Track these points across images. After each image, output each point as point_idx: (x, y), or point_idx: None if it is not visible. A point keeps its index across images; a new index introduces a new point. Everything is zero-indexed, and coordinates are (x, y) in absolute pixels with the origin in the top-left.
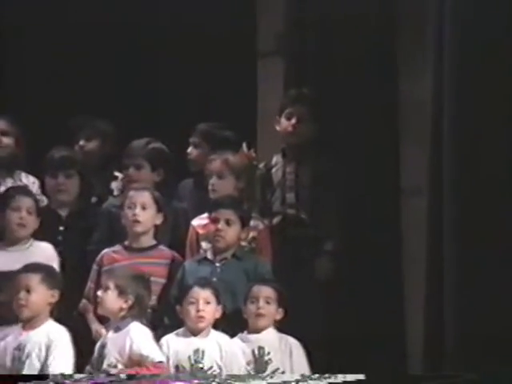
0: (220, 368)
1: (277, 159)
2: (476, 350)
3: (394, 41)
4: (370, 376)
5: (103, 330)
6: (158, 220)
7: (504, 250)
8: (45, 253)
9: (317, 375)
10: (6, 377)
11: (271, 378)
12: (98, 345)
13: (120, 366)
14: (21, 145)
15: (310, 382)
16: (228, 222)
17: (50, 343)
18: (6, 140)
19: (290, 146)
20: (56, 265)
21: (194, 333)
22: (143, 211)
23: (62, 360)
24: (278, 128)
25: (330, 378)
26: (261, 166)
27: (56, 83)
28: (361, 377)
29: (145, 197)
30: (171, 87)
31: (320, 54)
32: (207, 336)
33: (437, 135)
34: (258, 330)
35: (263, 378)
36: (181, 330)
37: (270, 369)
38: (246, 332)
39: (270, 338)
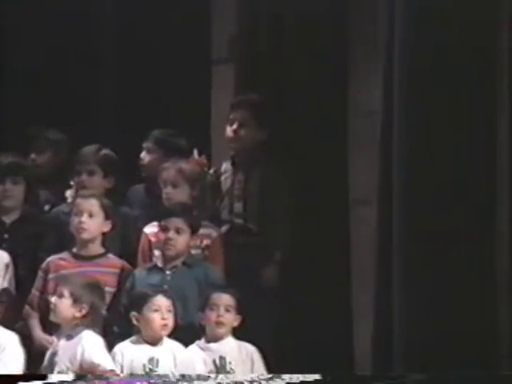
0: (173, 375)
1: (226, 166)
2: (423, 352)
3: (345, 49)
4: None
5: (53, 339)
6: (106, 227)
7: (451, 258)
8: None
9: (270, 375)
10: (5, 377)
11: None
12: (48, 352)
13: (70, 374)
14: None
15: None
16: (178, 231)
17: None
18: None
19: (236, 152)
20: (11, 271)
21: (152, 341)
22: (90, 219)
23: (12, 363)
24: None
25: (272, 379)
26: (210, 172)
27: (7, 90)
28: (316, 377)
29: (92, 204)
30: (123, 93)
31: (271, 60)
32: (161, 344)
33: (386, 145)
34: (216, 338)
35: (214, 379)
36: (134, 338)
37: (232, 378)
38: (203, 340)
39: (230, 346)
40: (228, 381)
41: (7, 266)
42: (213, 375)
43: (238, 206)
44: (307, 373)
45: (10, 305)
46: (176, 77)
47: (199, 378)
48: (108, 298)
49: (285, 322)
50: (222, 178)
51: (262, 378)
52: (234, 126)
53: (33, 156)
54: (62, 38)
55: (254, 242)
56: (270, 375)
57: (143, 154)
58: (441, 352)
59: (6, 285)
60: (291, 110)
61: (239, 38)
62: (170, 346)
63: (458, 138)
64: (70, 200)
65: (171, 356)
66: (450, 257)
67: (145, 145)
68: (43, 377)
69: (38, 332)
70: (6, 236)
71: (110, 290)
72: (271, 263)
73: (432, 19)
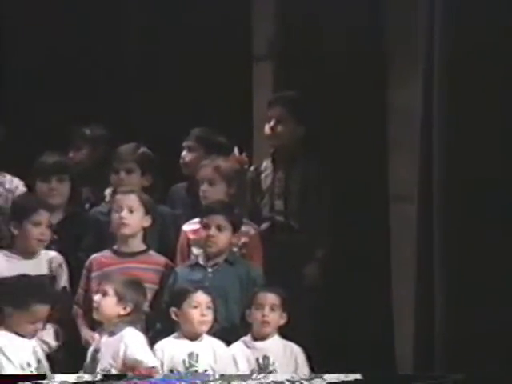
0: (214, 371)
1: (266, 164)
2: (465, 352)
3: (384, 48)
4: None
5: (96, 336)
6: (146, 222)
7: (492, 255)
8: (50, 261)
9: (311, 375)
10: (5, 377)
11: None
12: (90, 350)
13: (113, 371)
14: None
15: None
16: (219, 228)
17: None
18: None
19: (275, 149)
20: (65, 273)
21: (191, 337)
22: (130, 214)
23: None
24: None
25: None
26: (251, 170)
27: (46, 87)
28: (357, 376)
29: (131, 199)
30: (164, 91)
31: (311, 59)
32: (201, 340)
33: (426, 142)
34: (262, 337)
35: (254, 379)
36: (174, 335)
37: (272, 378)
38: (249, 336)
39: (275, 346)
40: (268, 380)
41: (61, 265)
42: (253, 375)
43: (279, 204)
44: (348, 372)
45: (69, 304)
46: (217, 74)
47: (239, 377)
48: (149, 295)
49: (326, 320)
50: (263, 175)
51: (303, 378)
52: (272, 123)
53: (71, 154)
54: (109, 31)
55: (295, 240)
56: (312, 375)
57: (184, 153)
58: (481, 352)
59: (63, 284)
60: (330, 107)
61: (279, 36)
62: (209, 342)
63: (498, 135)
64: (108, 198)
65: (211, 351)
66: (492, 253)
67: (185, 143)
68: (43, 377)
69: (86, 331)
70: (54, 237)
71: (151, 286)
72: (312, 261)
73: (471, 19)
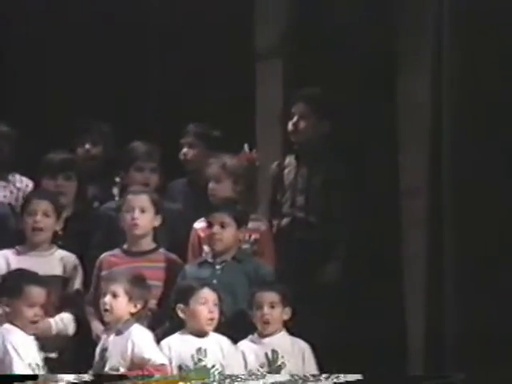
0: (222, 367)
1: (290, 160)
2: (476, 349)
3: (394, 41)
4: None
5: (103, 335)
6: (157, 222)
7: (504, 249)
8: (65, 262)
9: (315, 376)
10: (4, 377)
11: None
12: (98, 348)
13: (122, 370)
14: (4, 147)
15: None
16: (222, 225)
17: None
18: None
19: (298, 146)
20: (80, 275)
21: (198, 334)
22: (142, 214)
23: None
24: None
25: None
26: (273, 166)
27: (50, 85)
28: (360, 377)
29: (143, 200)
30: (168, 89)
31: (319, 54)
32: (208, 337)
33: (436, 135)
34: (268, 334)
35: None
36: (181, 332)
37: (283, 373)
38: (256, 334)
39: (282, 341)
40: (278, 379)
41: (75, 267)
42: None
43: (301, 200)
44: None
45: (83, 306)
46: (222, 72)
47: (249, 377)
48: (159, 293)
49: (339, 320)
50: (286, 171)
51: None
52: (294, 120)
53: (87, 146)
54: (114, 29)
55: (315, 236)
56: (317, 373)
57: (185, 150)
58: (491, 351)
59: (76, 287)
60: (344, 103)
61: (286, 32)
62: (216, 339)
63: (510, 124)
64: (117, 198)
65: (218, 347)
66: (505, 246)
67: (184, 140)
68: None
69: (96, 324)
70: (60, 233)
71: (160, 284)
72: (332, 258)
73: (480, 10)
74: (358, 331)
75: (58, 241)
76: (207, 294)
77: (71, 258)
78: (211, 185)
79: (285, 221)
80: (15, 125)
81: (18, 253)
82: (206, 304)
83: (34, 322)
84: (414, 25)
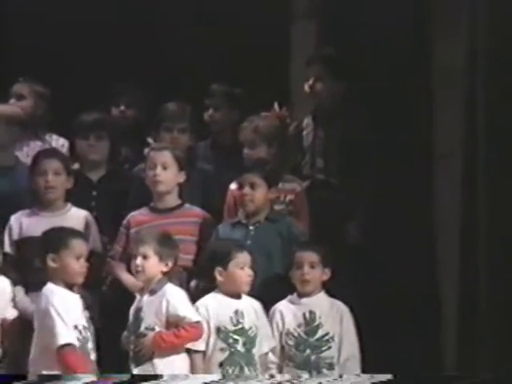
0: (257, 328)
1: (307, 121)
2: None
3: (429, 7)
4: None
5: (135, 280)
6: (181, 178)
7: None
8: (80, 219)
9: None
10: (4, 377)
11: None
12: (132, 309)
13: (157, 328)
14: (40, 107)
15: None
16: (252, 186)
17: None
18: (23, 103)
19: (315, 107)
20: (95, 232)
21: (233, 295)
22: (164, 171)
23: None
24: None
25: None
26: (291, 128)
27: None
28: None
29: (165, 156)
30: (202, 50)
31: (353, 16)
32: (242, 298)
33: (471, 99)
34: (306, 294)
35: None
36: (215, 292)
37: (320, 333)
38: (295, 295)
39: (321, 302)
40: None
41: (88, 224)
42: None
43: (320, 162)
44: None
45: (97, 266)
46: (256, 33)
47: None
48: (188, 247)
49: (366, 280)
50: (304, 133)
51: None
52: (311, 82)
53: (122, 108)
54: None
55: (336, 198)
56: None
57: (211, 111)
58: None
59: (91, 246)
60: (372, 65)
61: None
62: (248, 300)
63: None
64: None
65: (252, 309)
66: None
67: (209, 101)
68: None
69: (126, 275)
70: (94, 193)
71: (191, 239)
72: (353, 219)
73: None
74: (384, 294)
75: (92, 201)
76: (246, 258)
77: (86, 215)
78: (246, 150)
79: (305, 183)
80: (53, 86)
81: (32, 214)
82: (244, 268)
83: (82, 274)
84: None
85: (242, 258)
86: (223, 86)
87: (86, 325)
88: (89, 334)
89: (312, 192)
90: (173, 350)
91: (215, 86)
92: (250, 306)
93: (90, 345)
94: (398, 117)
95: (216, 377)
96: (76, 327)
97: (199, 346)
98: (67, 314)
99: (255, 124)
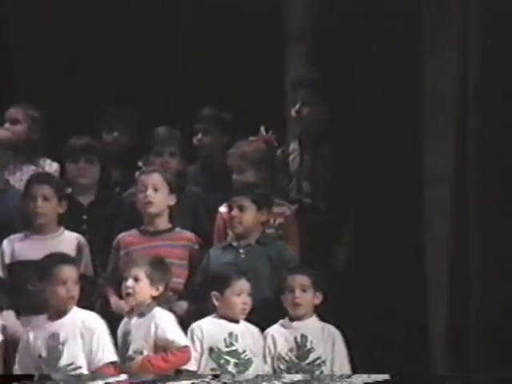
0: (252, 353)
1: (294, 146)
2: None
3: (418, 32)
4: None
5: (122, 304)
6: (171, 201)
7: None
8: (73, 243)
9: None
10: (3, 377)
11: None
12: (120, 332)
13: (146, 352)
14: (34, 132)
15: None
16: (241, 208)
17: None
18: (18, 127)
19: (302, 131)
20: (87, 255)
21: (229, 320)
22: (155, 192)
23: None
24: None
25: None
26: (278, 152)
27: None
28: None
29: (155, 178)
30: (192, 74)
31: (341, 40)
32: (239, 323)
33: (461, 123)
34: (298, 318)
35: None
36: (212, 316)
37: (311, 357)
38: (287, 319)
39: (312, 326)
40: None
41: (81, 248)
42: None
43: (307, 186)
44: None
45: (89, 290)
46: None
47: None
48: (178, 271)
49: (354, 303)
50: (291, 157)
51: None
52: (297, 106)
53: (115, 134)
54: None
55: (323, 222)
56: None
57: (200, 136)
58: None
59: (82, 270)
60: (363, 89)
61: (311, 18)
62: (246, 325)
63: None
64: None
65: (249, 334)
66: None
67: (199, 126)
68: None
69: (114, 298)
70: (84, 217)
71: (180, 262)
72: (340, 243)
73: None
74: (370, 316)
75: (82, 224)
76: (243, 286)
77: (78, 238)
78: (235, 176)
79: (292, 207)
80: (46, 111)
81: (25, 237)
82: (241, 295)
83: (70, 298)
84: (440, 4)
85: (239, 285)
86: (213, 111)
87: None
88: None
89: (299, 216)
90: (160, 374)
91: (205, 111)
92: (247, 331)
93: None
94: (386, 140)
95: None
96: None
97: (190, 366)
98: None
99: (242, 150)
